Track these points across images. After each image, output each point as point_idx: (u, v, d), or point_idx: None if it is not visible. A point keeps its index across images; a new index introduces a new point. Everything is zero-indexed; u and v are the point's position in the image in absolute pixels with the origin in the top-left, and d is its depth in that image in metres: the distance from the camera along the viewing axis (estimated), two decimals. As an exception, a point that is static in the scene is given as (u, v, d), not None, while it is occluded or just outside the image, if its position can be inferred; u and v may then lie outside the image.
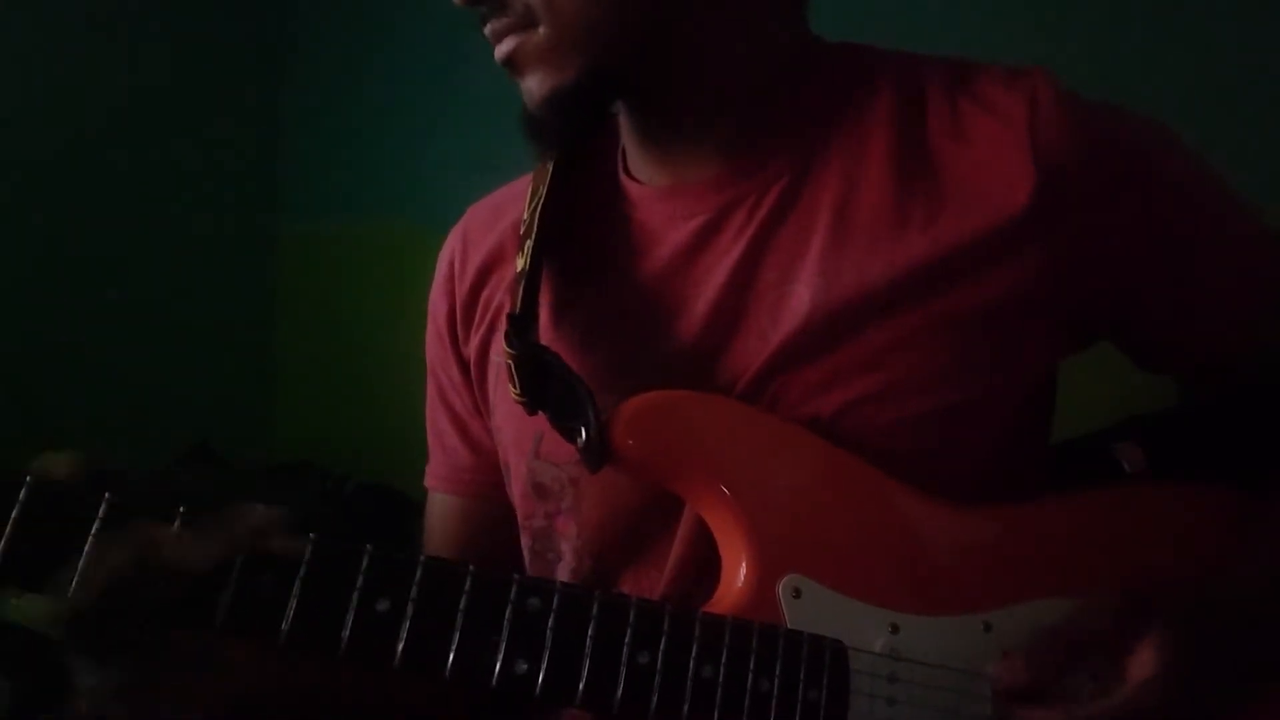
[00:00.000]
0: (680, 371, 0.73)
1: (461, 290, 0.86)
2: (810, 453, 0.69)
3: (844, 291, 0.70)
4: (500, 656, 0.60)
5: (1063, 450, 0.83)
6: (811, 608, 0.66)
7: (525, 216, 0.80)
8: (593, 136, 0.83)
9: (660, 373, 0.73)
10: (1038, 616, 0.67)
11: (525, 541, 0.82)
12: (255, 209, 2.72)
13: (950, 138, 0.72)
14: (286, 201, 2.75)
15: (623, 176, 0.81)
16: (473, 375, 0.86)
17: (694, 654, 0.62)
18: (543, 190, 0.79)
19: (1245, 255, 0.77)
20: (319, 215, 2.67)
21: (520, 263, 0.77)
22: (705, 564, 0.70)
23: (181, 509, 0.59)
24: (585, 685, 0.60)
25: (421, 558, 0.61)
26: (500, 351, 0.77)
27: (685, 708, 0.61)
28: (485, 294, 0.84)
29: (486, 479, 0.87)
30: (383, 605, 0.59)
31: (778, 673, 0.63)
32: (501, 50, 0.71)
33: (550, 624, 0.61)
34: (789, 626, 0.65)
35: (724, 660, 0.62)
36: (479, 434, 0.88)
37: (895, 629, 0.66)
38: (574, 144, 0.80)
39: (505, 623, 0.60)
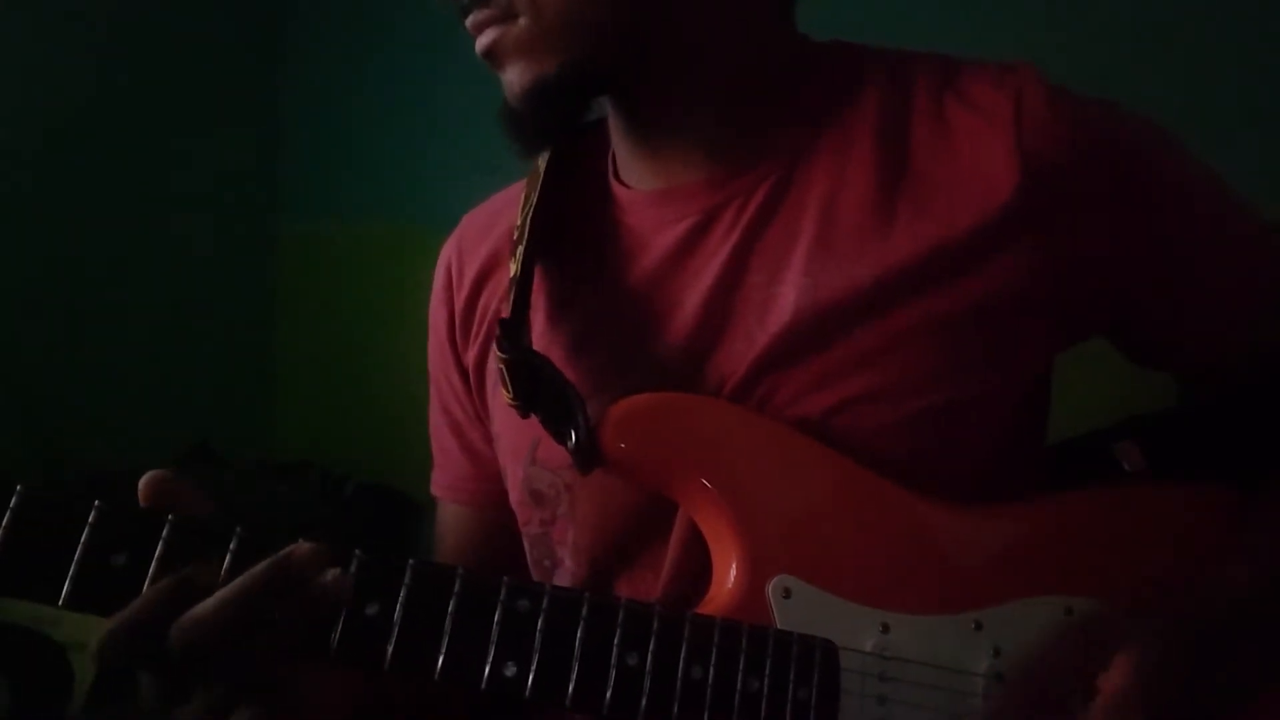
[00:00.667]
0: (671, 373, 0.73)
1: (459, 299, 0.86)
2: (800, 453, 0.69)
3: (830, 292, 0.70)
4: (489, 659, 0.60)
5: (1062, 450, 0.82)
6: (802, 608, 0.65)
7: (518, 222, 0.80)
8: (573, 134, 0.82)
9: (651, 375, 0.73)
10: (1030, 615, 0.67)
11: (526, 548, 0.82)
12: (255, 209, 2.73)
13: (936, 136, 0.72)
14: (286, 201, 2.75)
15: (613, 181, 0.80)
16: (473, 383, 0.86)
17: (683, 655, 0.62)
18: (534, 196, 0.79)
19: (1244, 254, 0.76)
20: (319, 215, 2.67)
21: (513, 268, 0.77)
22: (701, 567, 0.70)
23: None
24: (574, 687, 0.60)
25: (410, 561, 0.61)
26: (495, 357, 0.77)
27: (675, 708, 0.61)
28: (482, 301, 0.84)
29: (488, 488, 0.87)
30: (372, 609, 0.59)
31: (767, 672, 0.63)
32: (482, 42, 0.71)
33: (539, 626, 0.61)
34: (779, 627, 0.65)
35: (713, 661, 0.62)
36: (478, 443, 0.88)
37: (886, 628, 0.66)
38: (554, 141, 0.80)
39: (494, 625, 0.60)
